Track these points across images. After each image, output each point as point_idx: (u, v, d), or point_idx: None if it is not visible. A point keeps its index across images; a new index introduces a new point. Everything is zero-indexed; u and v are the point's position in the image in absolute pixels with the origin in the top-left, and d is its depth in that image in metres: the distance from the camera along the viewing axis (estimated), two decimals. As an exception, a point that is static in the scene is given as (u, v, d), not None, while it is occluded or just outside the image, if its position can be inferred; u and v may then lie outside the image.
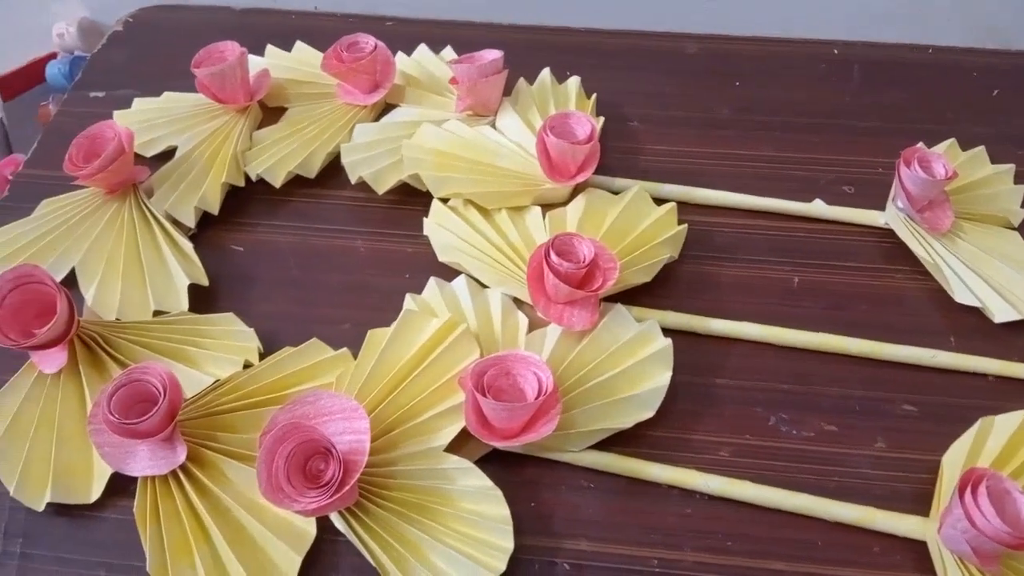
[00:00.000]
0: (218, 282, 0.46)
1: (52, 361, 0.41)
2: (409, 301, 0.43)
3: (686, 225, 0.46)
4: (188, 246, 0.46)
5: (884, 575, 0.37)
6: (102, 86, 0.58)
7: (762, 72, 0.58)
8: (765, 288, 0.46)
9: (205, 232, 0.49)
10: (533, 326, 0.43)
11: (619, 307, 0.43)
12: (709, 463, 0.40)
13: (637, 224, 0.46)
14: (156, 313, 0.44)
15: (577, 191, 0.48)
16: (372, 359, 0.40)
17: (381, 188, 0.49)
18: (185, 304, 0.44)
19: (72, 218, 0.47)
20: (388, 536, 0.36)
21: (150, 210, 0.47)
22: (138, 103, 0.55)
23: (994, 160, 0.51)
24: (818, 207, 0.49)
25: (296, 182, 0.51)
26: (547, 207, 0.48)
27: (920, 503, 0.38)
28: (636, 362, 0.40)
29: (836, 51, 0.59)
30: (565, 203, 0.48)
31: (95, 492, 0.38)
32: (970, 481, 0.34)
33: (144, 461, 0.37)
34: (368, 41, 0.52)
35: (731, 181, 0.51)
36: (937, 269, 0.45)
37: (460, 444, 0.39)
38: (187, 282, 0.44)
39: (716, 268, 0.47)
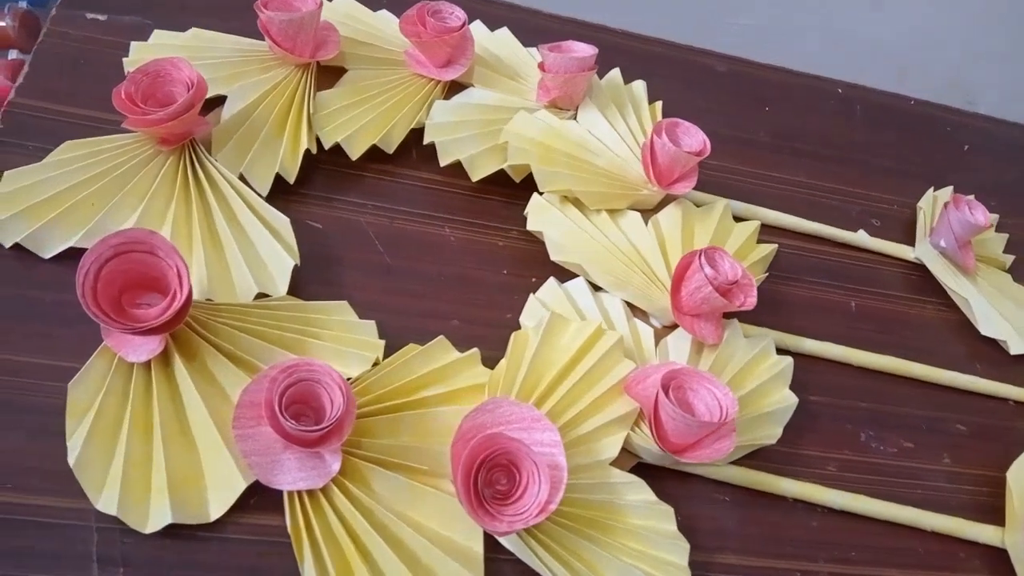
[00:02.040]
0: (303, 263, 0.40)
1: (143, 348, 0.33)
2: (535, 302, 0.41)
3: (776, 246, 0.48)
4: (283, 220, 0.40)
5: (970, 577, 0.41)
6: (101, 6, 0.48)
7: (784, 100, 0.61)
8: (829, 310, 0.50)
9: (273, 202, 0.42)
10: (658, 338, 0.42)
11: (735, 323, 0.43)
12: (820, 477, 0.42)
13: (726, 241, 0.47)
14: (258, 297, 0.38)
15: (666, 200, 0.48)
16: (522, 364, 0.37)
17: (477, 174, 0.45)
18: (285, 287, 0.38)
19: (116, 169, 0.39)
20: (565, 552, 0.34)
21: (220, 171, 0.40)
22: (159, 36, 0.46)
23: (975, 209, 0.59)
24: (862, 237, 0.53)
25: (370, 156, 0.46)
26: (642, 213, 0.47)
27: (987, 514, 0.43)
28: (766, 380, 0.42)
29: (840, 90, 0.64)
30: (653, 211, 0.48)
31: (215, 509, 0.32)
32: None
33: (293, 472, 0.32)
34: (455, 12, 0.48)
35: (776, 202, 0.54)
36: (966, 303, 0.51)
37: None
38: (291, 262, 0.38)
39: (784, 288, 0.50)
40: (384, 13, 0.52)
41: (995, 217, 0.58)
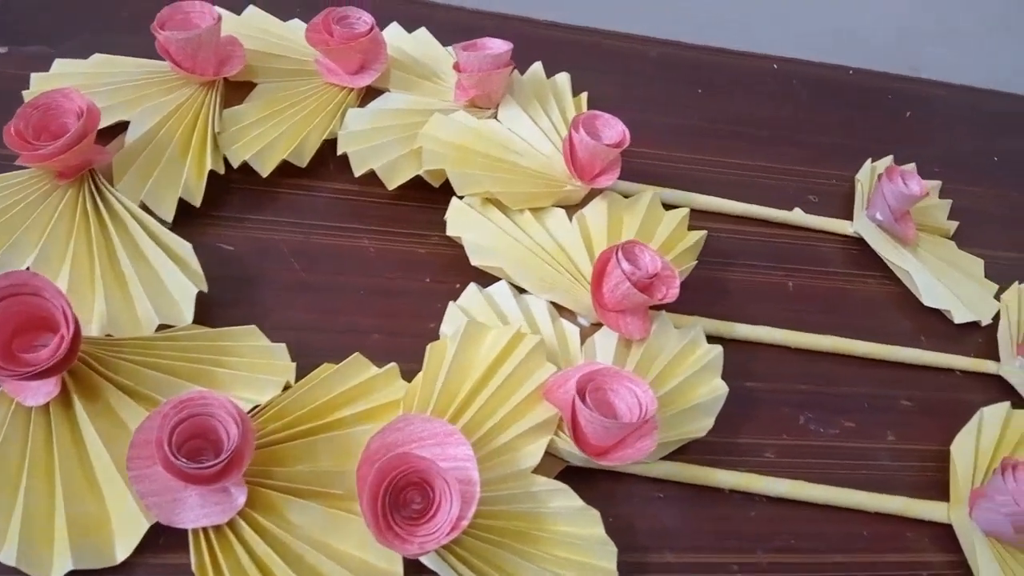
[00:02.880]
0: (213, 288, 0.40)
1: (39, 391, 0.33)
2: (455, 310, 0.40)
3: (705, 232, 0.47)
4: (185, 247, 0.39)
5: (918, 557, 0.41)
6: (4, 40, 0.46)
7: (719, 81, 0.60)
8: (765, 292, 0.49)
9: (181, 228, 0.41)
10: (584, 336, 0.41)
11: (663, 315, 0.43)
12: (759, 464, 0.41)
13: (655, 231, 0.46)
14: (161, 328, 0.37)
15: (592, 194, 0.47)
16: (438, 376, 0.36)
17: (393, 182, 0.44)
18: (190, 316, 0.37)
19: (13, 207, 0.38)
20: (487, 567, 0.33)
21: (120, 201, 0.39)
22: (60, 65, 0.45)
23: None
24: (798, 215, 0.52)
25: (282, 171, 0.45)
26: (567, 208, 0.46)
27: (934, 491, 0.43)
28: (695, 371, 0.41)
29: (775, 66, 0.63)
30: (579, 205, 0.47)
31: (121, 551, 0.32)
32: (1008, 467, 0.38)
33: (196, 510, 0.31)
34: (362, 17, 0.47)
35: (711, 187, 0.53)
36: (907, 275, 0.50)
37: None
38: (194, 289, 0.37)
39: (721, 273, 0.49)
40: (295, 23, 0.50)
41: (936, 184, 0.57)
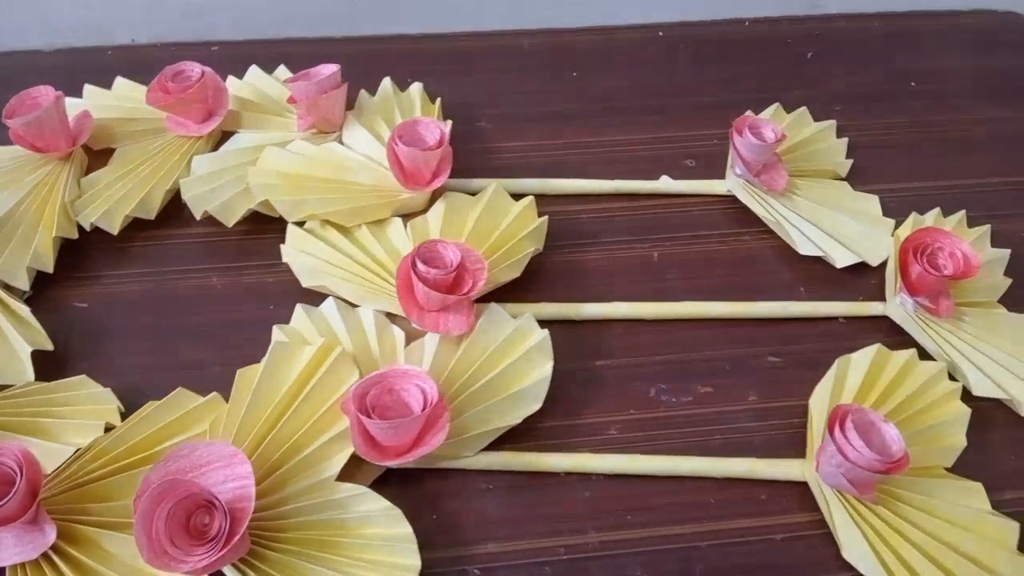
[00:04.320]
0: (66, 344, 0.43)
1: None
2: (277, 333, 0.42)
3: (546, 217, 0.47)
4: (24, 310, 0.42)
5: (774, 520, 0.39)
6: None
7: (596, 62, 0.60)
8: (629, 267, 0.48)
9: (44, 292, 0.45)
10: (411, 338, 0.42)
11: (493, 306, 0.43)
12: (601, 443, 0.41)
13: (499, 222, 0.47)
14: (0, 388, 0.40)
15: (435, 197, 0.48)
16: (245, 399, 0.38)
17: (230, 220, 0.47)
18: (31, 374, 0.41)
19: None
20: (289, 578, 0.35)
21: (-25, 277, 0.43)
22: (-56, 163, 0.50)
23: (817, 119, 0.55)
24: (665, 183, 0.51)
25: (136, 225, 0.48)
26: (407, 217, 0.47)
27: (796, 447, 0.40)
28: (518, 358, 0.41)
29: (661, 33, 0.62)
30: (425, 210, 0.48)
31: (-46, 595, 0.35)
32: (837, 417, 0.36)
33: (10, 549, 0.34)
34: (194, 68, 0.49)
35: (583, 169, 0.52)
36: (779, 226, 0.48)
37: (353, 470, 0.38)
38: (29, 349, 0.41)
39: (581, 255, 0.49)
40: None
41: (829, 123, 0.54)
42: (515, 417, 0.39)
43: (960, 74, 0.60)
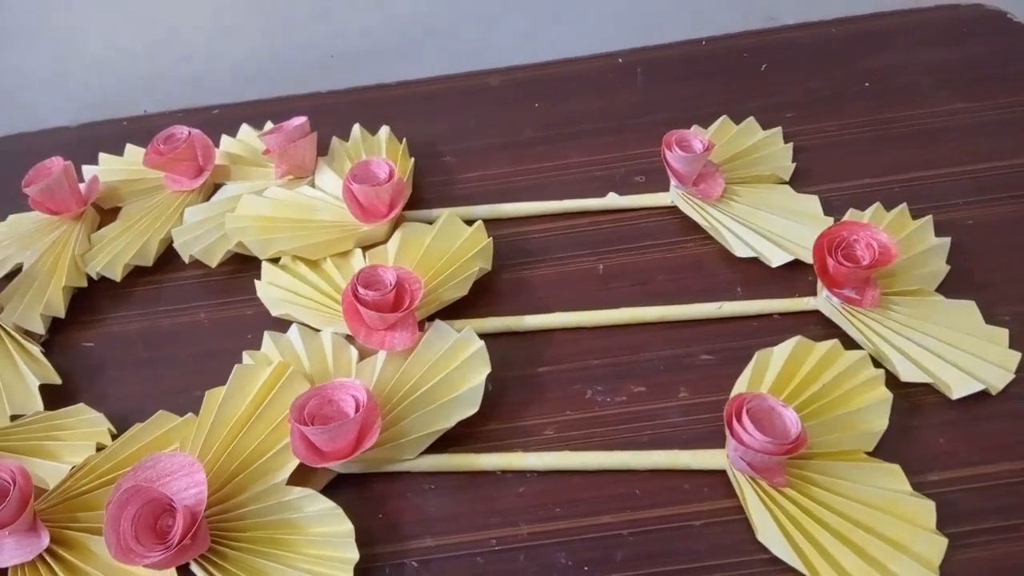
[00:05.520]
0: (73, 379, 0.49)
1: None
2: (246, 358, 0.47)
3: (491, 239, 0.51)
4: (36, 350, 0.49)
5: (697, 507, 0.41)
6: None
7: (559, 91, 0.64)
8: (575, 280, 0.51)
9: (57, 336, 0.52)
10: (364, 356, 0.46)
11: (438, 322, 0.47)
12: (537, 443, 0.44)
13: (450, 246, 0.51)
14: (14, 418, 0.47)
15: (395, 227, 0.53)
16: (211, 416, 0.43)
17: (213, 261, 0.52)
18: (39, 404, 0.47)
19: (-78, 347, 0.50)
20: (244, 574, 0.39)
21: (0, 326, 0.50)
22: (-18, 229, 0.58)
23: (767, 127, 0.57)
24: (611, 199, 0.54)
25: (136, 272, 0.54)
26: (369, 248, 0.52)
27: (719, 440, 0.42)
28: (455, 367, 0.44)
29: (620, 60, 0.65)
30: (385, 240, 0.52)
31: (-31, 595, 0.41)
32: (734, 409, 0.38)
33: (10, 551, 0.40)
34: (182, 131, 0.56)
35: (537, 192, 0.56)
36: (716, 231, 0.50)
37: (305, 478, 0.42)
38: (37, 383, 0.47)
39: (530, 271, 0.52)
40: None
41: (775, 131, 0.56)
42: (450, 420, 0.43)
43: (918, 69, 0.60)
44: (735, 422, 0.38)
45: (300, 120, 0.55)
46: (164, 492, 0.38)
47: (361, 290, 0.44)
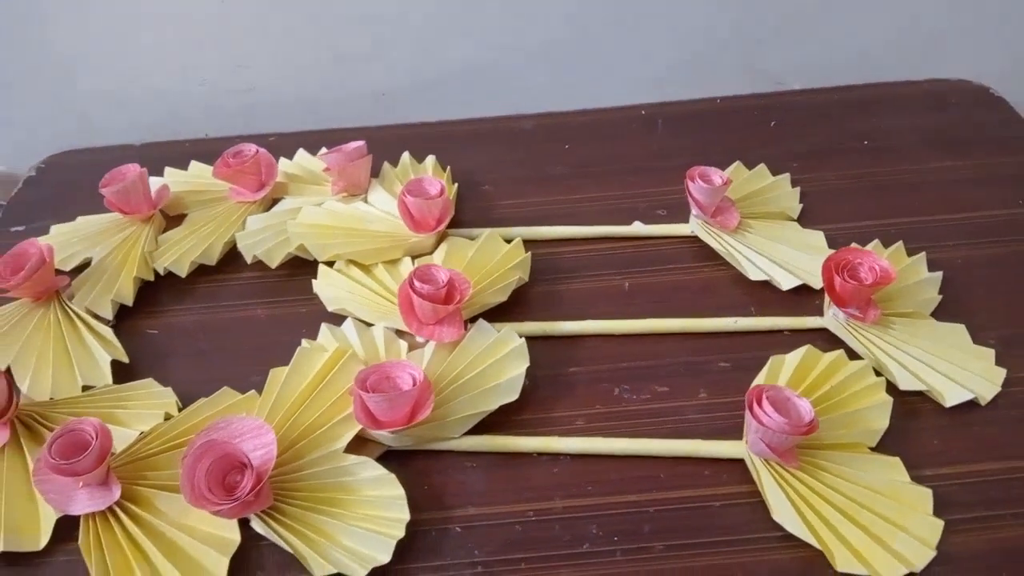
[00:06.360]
0: (137, 362, 0.53)
1: (-6, 438, 0.46)
2: (305, 344, 0.51)
3: (530, 252, 0.56)
4: (107, 331, 0.53)
5: (716, 490, 0.45)
6: (22, 222, 0.65)
7: (586, 136, 0.70)
8: (603, 295, 0.56)
9: (123, 323, 0.56)
10: (412, 348, 0.51)
11: (481, 321, 0.51)
12: (569, 431, 0.48)
13: (491, 257, 0.56)
14: (85, 389, 0.50)
15: (441, 241, 0.58)
16: (275, 391, 0.47)
17: (274, 262, 0.57)
18: (109, 378, 0.51)
19: (3, 326, 0.54)
20: (303, 528, 0.42)
21: (72, 309, 0.54)
22: (55, 228, 0.62)
23: (776, 173, 0.63)
24: (637, 227, 0.60)
25: (200, 271, 0.59)
26: (417, 257, 0.57)
27: (736, 433, 0.47)
28: (497, 359, 0.49)
29: (643, 112, 0.72)
30: (431, 252, 0.57)
31: (43, 541, 0.44)
32: (755, 395, 0.43)
33: (84, 502, 0.43)
34: (250, 148, 0.62)
35: (567, 219, 0.62)
36: (732, 257, 0.56)
37: (359, 449, 0.46)
38: (109, 358, 0.51)
39: (563, 286, 0.57)
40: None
41: (784, 176, 0.63)
42: (493, 404, 0.47)
43: (909, 131, 0.67)
44: (756, 406, 0.42)
45: (359, 143, 0.61)
46: (239, 447, 0.42)
47: (417, 283, 0.49)
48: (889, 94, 0.72)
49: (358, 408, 0.44)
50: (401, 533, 0.42)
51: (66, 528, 0.44)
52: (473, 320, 0.52)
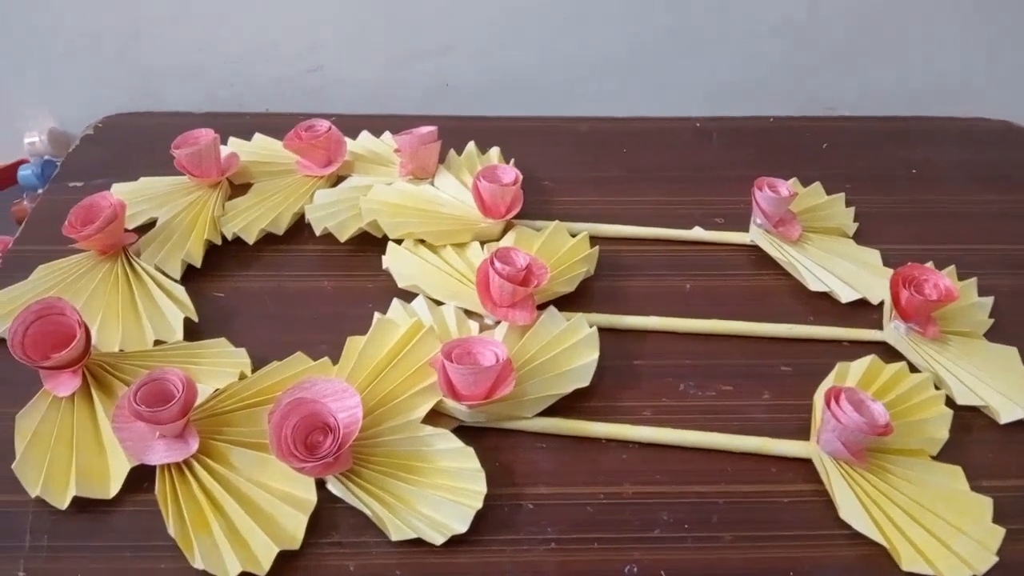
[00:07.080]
0: (205, 323, 0.53)
1: (66, 385, 0.46)
2: (379, 317, 0.52)
3: (598, 246, 0.57)
4: (179, 289, 0.53)
5: (783, 487, 0.46)
6: (80, 179, 0.65)
7: (642, 142, 0.72)
8: (665, 293, 0.57)
9: (189, 284, 0.56)
10: (483, 330, 0.52)
11: (551, 308, 0.52)
12: (637, 421, 0.49)
13: (558, 249, 0.57)
14: (157, 343, 0.50)
15: (507, 229, 0.59)
16: (353, 358, 0.48)
17: (343, 236, 0.58)
18: (180, 334, 0.51)
19: (69, 277, 0.54)
20: (382, 492, 0.43)
21: (141, 265, 0.55)
22: (116, 186, 0.62)
23: (829, 193, 0.65)
24: (697, 232, 0.61)
25: (267, 239, 0.59)
26: (484, 242, 0.58)
27: (801, 434, 0.48)
28: (568, 346, 0.50)
29: (698, 124, 0.74)
30: (498, 239, 0.58)
31: (114, 489, 0.44)
32: (833, 394, 0.44)
33: (161, 452, 0.43)
34: (323, 123, 0.62)
35: (624, 219, 0.63)
36: (792, 267, 0.57)
37: (432, 422, 0.47)
38: (182, 315, 0.51)
39: (625, 282, 0.58)
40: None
41: (839, 195, 0.64)
42: (566, 388, 0.48)
43: (952, 164, 0.70)
44: (833, 403, 0.44)
45: (430, 128, 0.62)
46: (328, 407, 0.42)
47: (497, 264, 0.50)
48: (933, 128, 0.75)
49: (442, 379, 0.45)
50: (479, 504, 0.43)
51: (135, 479, 0.44)
52: (542, 307, 0.53)
